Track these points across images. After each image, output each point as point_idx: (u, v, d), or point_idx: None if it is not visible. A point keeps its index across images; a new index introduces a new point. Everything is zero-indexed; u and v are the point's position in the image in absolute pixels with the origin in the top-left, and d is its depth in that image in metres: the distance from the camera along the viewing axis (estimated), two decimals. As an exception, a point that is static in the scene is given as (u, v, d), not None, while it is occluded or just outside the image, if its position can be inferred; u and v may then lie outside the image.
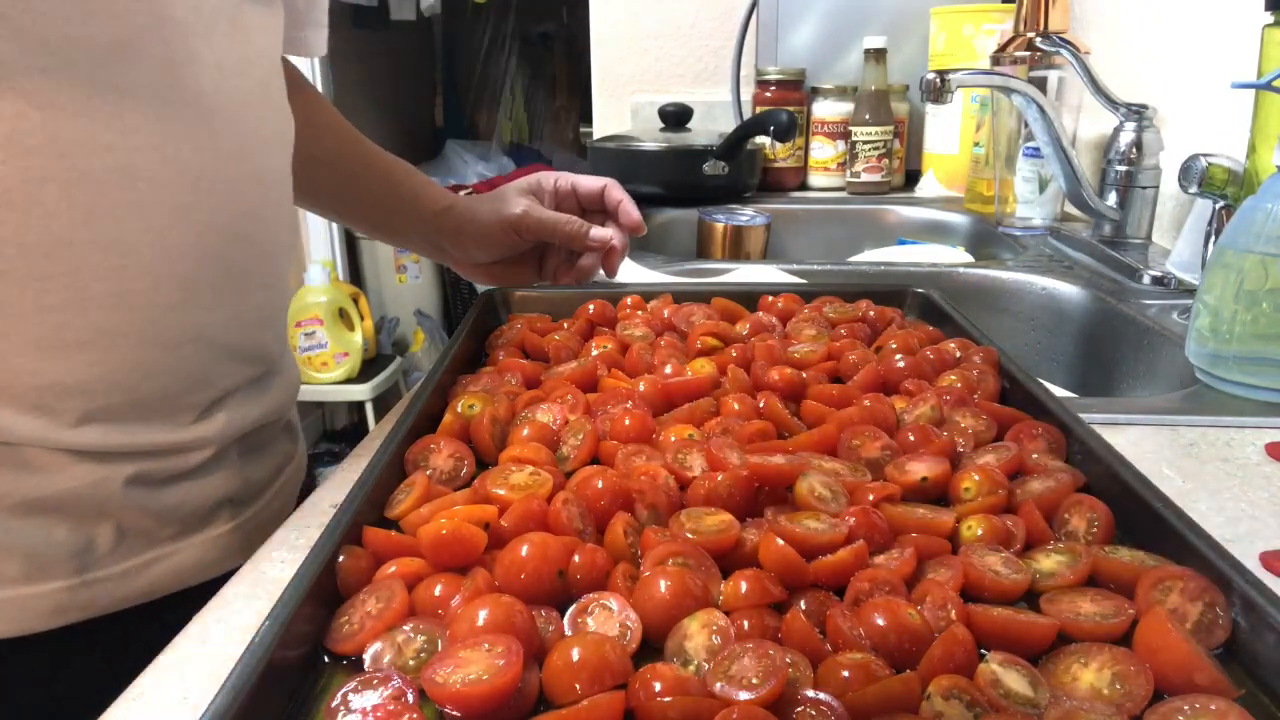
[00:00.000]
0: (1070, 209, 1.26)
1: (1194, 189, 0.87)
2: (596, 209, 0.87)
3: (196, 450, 0.62)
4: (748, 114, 1.70)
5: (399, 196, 0.86)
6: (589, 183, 0.86)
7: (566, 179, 0.86)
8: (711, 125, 1.65)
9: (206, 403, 0.62)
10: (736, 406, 0.61)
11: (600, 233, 0.83)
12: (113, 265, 0.53)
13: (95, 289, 0.53)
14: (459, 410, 0.60)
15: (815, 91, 1.64)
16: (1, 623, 0.55)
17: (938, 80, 1.03)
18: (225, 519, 0.65)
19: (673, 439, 0.57)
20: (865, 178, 1.59)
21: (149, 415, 0.58)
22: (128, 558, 0.59)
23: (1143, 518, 0.46)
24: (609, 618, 0.40)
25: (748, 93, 1.72)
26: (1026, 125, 1.15)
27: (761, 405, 0.62)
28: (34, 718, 0.58)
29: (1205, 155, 0.87)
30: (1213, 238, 0.89)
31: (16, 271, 0.50)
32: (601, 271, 0.86)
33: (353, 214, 0.89)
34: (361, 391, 2.79)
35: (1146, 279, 0.97)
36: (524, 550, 0.42)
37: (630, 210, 0.85)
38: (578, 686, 0.36)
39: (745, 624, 0.40)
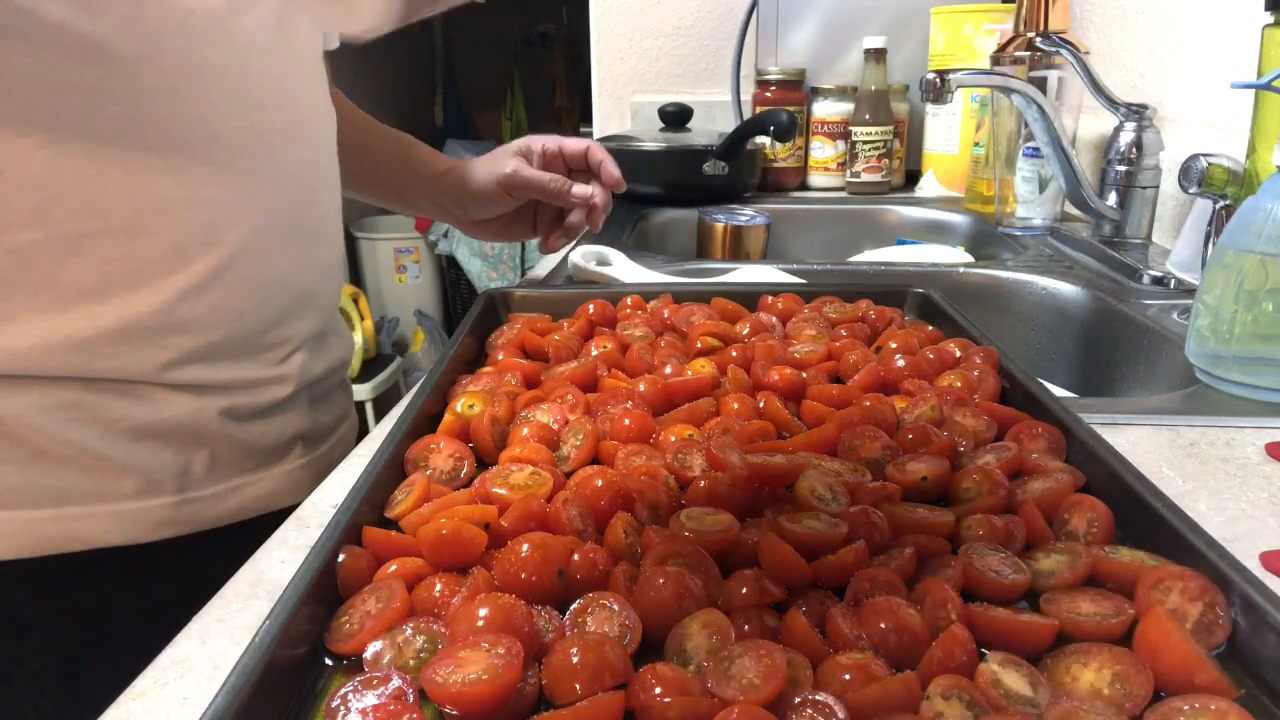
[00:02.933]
0: (1070, 209, 1.26)
1: (1194, 189, 0.87)
2: (581, 169, 0.95)
3: (277, 386, 0.70)
4: (748, 114, 1.70)
5: (403, 163, 0.96)
6: (574, 144, 0.94)
7: (554, 141, 0.94)
8: (711, 125, 1.64)
9: (285, 345, 0.71)
10: (736, 406, 0.61)
11: (582, 190, 0.91)
12: (204, 220, 0.62)
13: (191, 240, 0.62)
14: (459, 410, 0.60)
15: (815, 91, 1.64)
16: (117, 532, 0.63)
17: (938, 80, 1.03)
18: (299, 454, 0.74)
19: (673, 439, 0.56)
20: (865, 178, 1.59)
21: (238, 353, 0.67)
22: (219, 482, 0.68)
23: (1143, 518, 0.46)
24: (609, 618, 0.40)
25: (748, 93, 1.72)
26: (1026, 125, 1.15)
27: (761, 405, 0.62)
28: (140, 618, 0.63)
29: (1205, 155, 0.87)
30: (1213, 238, 0.89)
31: (129, 228, 0.59)
32: (588, 227, 0.94)
33: (363, 182, 0.98)
34: (361, 391, 2.79)
35: (1146, 279, 0.97)
36: (524, 550, 0.42)
37: (611, 169, 0.92)
38: (578, 686, 0.36)
39: (745, 624, 0.40)
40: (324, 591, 0.41)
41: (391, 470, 0.53)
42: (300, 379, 0.72)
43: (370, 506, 0.48)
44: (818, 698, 0.35)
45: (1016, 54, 1.23)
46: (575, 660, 0.36)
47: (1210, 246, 0.90)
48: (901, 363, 0.67)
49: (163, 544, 0.65)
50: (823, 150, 1.65)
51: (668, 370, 0.67)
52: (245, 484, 0.69)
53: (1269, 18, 0.80)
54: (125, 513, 0.63)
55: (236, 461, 0.69)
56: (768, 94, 1.64)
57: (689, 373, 0.66)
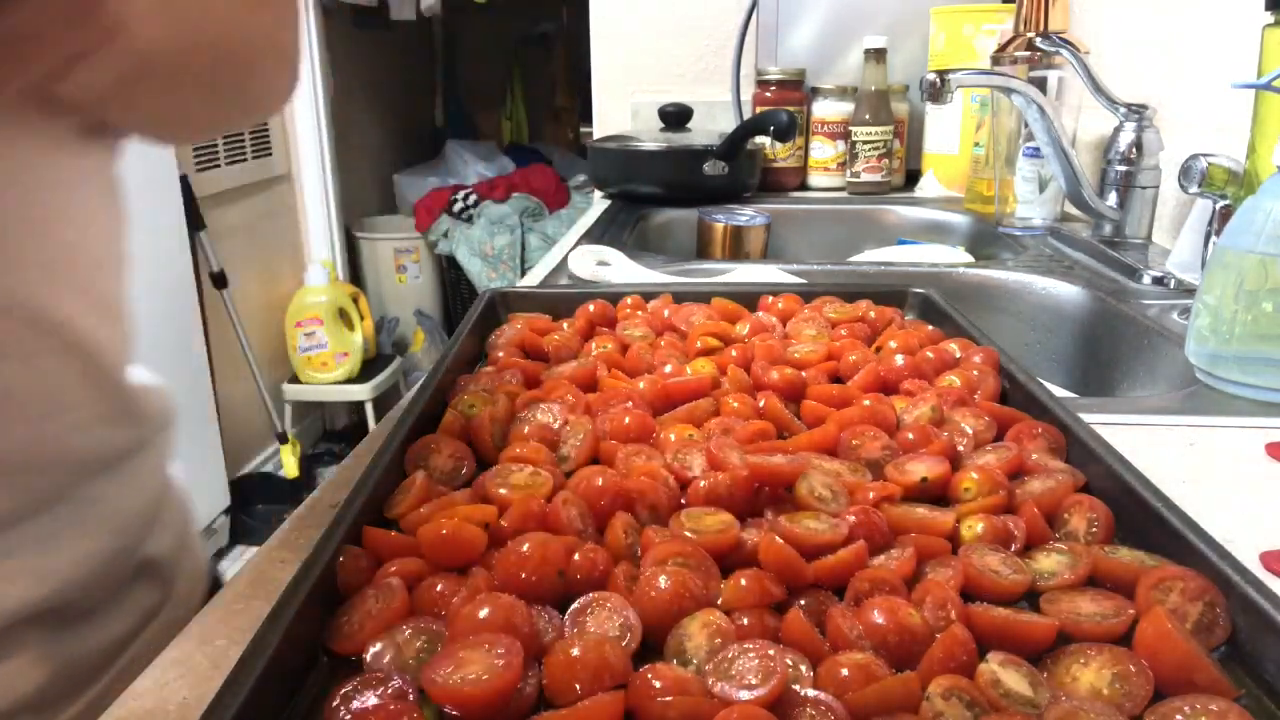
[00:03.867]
0: (1070, 209, 1.26)
1: (1194, 189, 0.87)
2: None
3: None
4: (748, 114, 1.70)
5: None
6: None
7: None
8: (711, 125, 1.65)
9: None
10: (736, 406, 0.61)
11: None
12: None
13: None
14: (459, 410, 0.60)
15: (815, 91, 1.64)
16: None
17: (938, 80, 1.03)
18: None
19: (673, 439, 0.56)
20: (865, 178, 1.59)
21: None
22: None
23: (1143, 518, 0.46)
24: (609, 618, 0.40)
25: (748, 93, 1.72)
26: (1026, 125, 1.15)
27: (761, 405, 0.62)
28: None
29: (1205, 155, 0.87)
30: (1213, 238, 0.89)
31: None
32: None
33: None
34: (361, 391, 2.79)
35: (1146, 279, 0.97)
36: (524, 550, 0.42)
37: None
38: (578, 686, 0.36)
39: (745, 624, 0.40)
40: (324, 591, 0.41)
41: (391, 470, 0.53)
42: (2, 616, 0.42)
43: (370, 506, 0.48)
44: (818, 697, 0.35)
45: (1016, 54, 1.23)
46: (575, 660, 0.36)
47: (1210, 246, 0.90)
48: (901, 363, 0.67)
49: None
50: (823, 150, 1.65)
51: (667, 370, 0.66)
52: None
53: (1269, 18, 0.80)
54: None
55: None
56: (768, 94, 1.64)
57: (689, 373, 0.66)
